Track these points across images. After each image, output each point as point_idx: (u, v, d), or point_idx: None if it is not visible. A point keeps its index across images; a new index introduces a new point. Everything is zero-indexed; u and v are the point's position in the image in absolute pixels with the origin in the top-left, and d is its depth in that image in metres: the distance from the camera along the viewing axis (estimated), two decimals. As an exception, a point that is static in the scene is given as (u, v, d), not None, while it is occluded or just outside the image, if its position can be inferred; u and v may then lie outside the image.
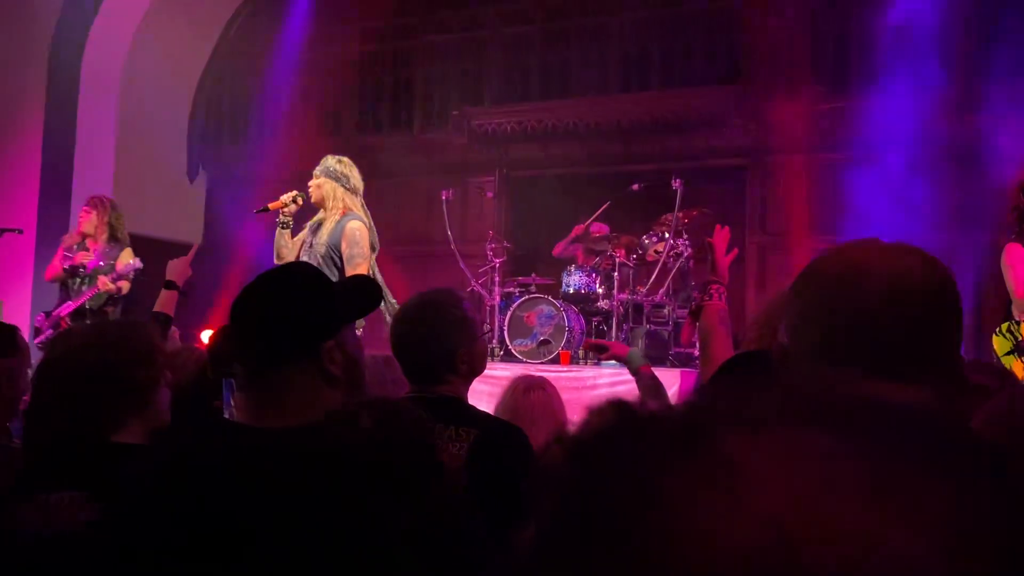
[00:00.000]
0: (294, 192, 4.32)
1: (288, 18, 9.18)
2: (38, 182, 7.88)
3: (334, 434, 1.16)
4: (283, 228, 4.29)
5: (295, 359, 1.31)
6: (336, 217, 4.16)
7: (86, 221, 5.42)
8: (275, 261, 4.30)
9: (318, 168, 4.28)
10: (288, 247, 4.30)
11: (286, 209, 4.30)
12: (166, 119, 9.20)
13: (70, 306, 5.32)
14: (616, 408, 0.40)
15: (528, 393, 2.72)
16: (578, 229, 7.29)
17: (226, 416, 1.95)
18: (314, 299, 1.36)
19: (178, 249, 3.28)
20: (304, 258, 4.17)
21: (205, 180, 9.74)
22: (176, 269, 3.02)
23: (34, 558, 1.47)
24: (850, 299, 0.89)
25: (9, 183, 7.96)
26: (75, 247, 5.45)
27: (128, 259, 5.37)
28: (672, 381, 5.40)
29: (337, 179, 4.21)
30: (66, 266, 5.38)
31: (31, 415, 1.64)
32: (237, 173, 9.32)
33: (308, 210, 4.42)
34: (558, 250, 7.33)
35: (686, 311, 6.62)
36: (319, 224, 4.25)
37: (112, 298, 5.34)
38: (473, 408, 2.03)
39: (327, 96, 9.35)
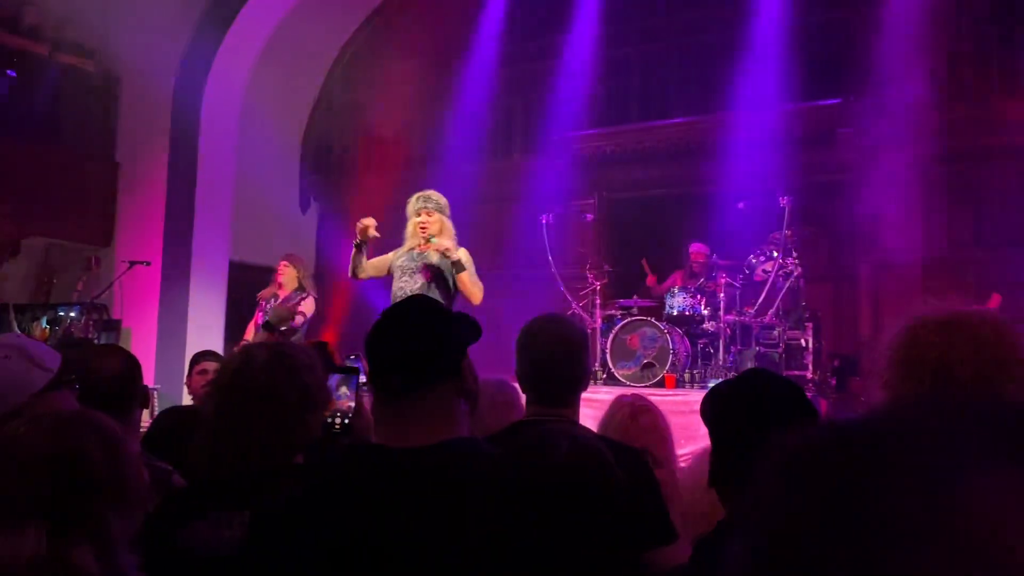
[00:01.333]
0: (374, 222, 4.60)
1: (391, 53, 9.48)
2: (163, 217, 8.36)
3: (527, 454, 1.19)
4: (362, 249, 4.62)
5: (444, 378, 1.38)
6: (448, 246, 4.48)
7: (284, 275, 6.17)
8: (352, 275, 4.66)
9: (429, 204, 4.56)
10: (364, 268, 4.63)
11: (367, 235, 4.60)
12: (279, 154, 9.63)
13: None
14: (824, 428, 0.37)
15: (637, 418, 2.65)
16: (650, 280, 7.27)
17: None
18: (450, 325, 1.44)
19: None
20: (408, 279, 4.45)
21: (316, 211, 10.11)
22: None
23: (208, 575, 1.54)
24: None
25: (138, 218, 8.49)
26: (270, 298, 6.18)
27: (309, 306, 6.03)
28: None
29: (446, 214, 4.59)
30: (260, 322, 6.14)
31: (211, 435, 1.69)
32: (345, 204, 9.64)
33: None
34: (657, 291, 7.31)
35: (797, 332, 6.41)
36: (423, 253, 4.51)
37: (284, 331, 5.88)
38: (591, 431, 2.03)
39: (428, 127, 9.57)
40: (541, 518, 1.12)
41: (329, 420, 1.94)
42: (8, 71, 8.09)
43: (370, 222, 4.56)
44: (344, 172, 9.98)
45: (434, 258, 4.46)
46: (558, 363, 1.98)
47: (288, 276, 6.21)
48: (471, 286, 4.39)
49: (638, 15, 8.59)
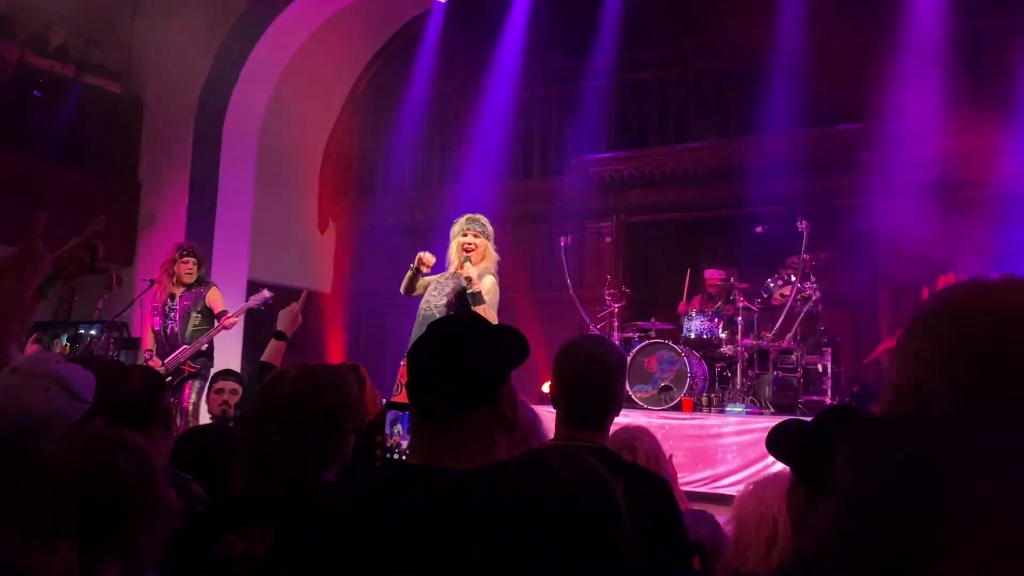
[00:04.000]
0: (433, 259, 4.67)
1: (410, 76, 9.57)
2: (184, 236, 8.44)
3: (518, 475, 1.18)
4: (420, 274, 4.68)
5: (479, 404, 1.35)
6: (472, 275, 4.48)
7: (188, 271, 5.72)
8: (405, 292, 4.70)
9: (476, 227, 4.58)
10: (418, 288, 4.68)
11: (424, 269, 4.68)
12: (299, 174, 9.72)
13: (187, 350, 5.61)
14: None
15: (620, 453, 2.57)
16: (681, 308, 7.23)
17: (388, 450, 2.02)
18: (493, 347, 1.41)
19: (310, 297, 3.37)
20: (435, 295, 4.51)
21: (334, 231, 10.18)
22: (286, 320, 3.01)
23: None
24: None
25: (159, 237, 8.57)
26: (165, 304, 5.73)
27: (221, 297, 5.73)
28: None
29: (490, 238, 4.60)
30: (158, 330, 5.78)
31: (243, 451, 1.72)
32: (364, 223, 9.70)
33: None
34: (681, 309, 7.28)
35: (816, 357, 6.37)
36: (457, 275, 4.55)
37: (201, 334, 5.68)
38: (619, 456, 2.00)
39: (448, 148, 9.64)
40: (531, 538, 1.10)
41: (388, 456, 1.95)
42: (34, 91, 8.24)
43: (428, 259, 4.63)
44: (363, 192, 10.05)
45: (457, 282, 4.49)
46: (589, 384, 1.93)
47: (193, 272, 5.71)
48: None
49: (657, 39, 8.63)
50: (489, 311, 4.41)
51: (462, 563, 1.15)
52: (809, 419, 1.73)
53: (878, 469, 0.72)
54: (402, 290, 4.73)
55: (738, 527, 2.05)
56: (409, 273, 4.65)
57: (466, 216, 4.66)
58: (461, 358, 1.37)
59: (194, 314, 5.69)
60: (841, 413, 1.74)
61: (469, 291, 4.38)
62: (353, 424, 1.76)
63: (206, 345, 5.68)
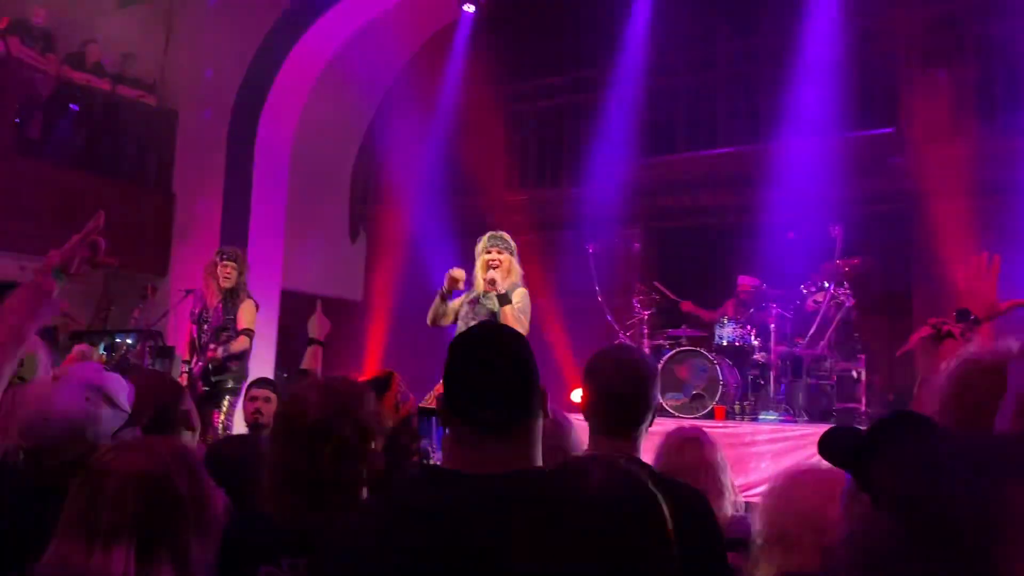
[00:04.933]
0: (463, 275, 4.65)
1: (439, 85, 9.62)
2: (217, 245, 8.55)
3: (560, 483, 1.18)
4: (445, 298, 4.68)
5: (537, 413, 1.38)
6: (495, 277, 4.52)
7: (227, 276, 5.52)
8: (432, 322, 4.70)
9: (500, 243, 4.61)
10: (447, 314, 4.68)
11: (458, 286, 4.67)
12: (330, 184, 9.80)
13: (199, 365, 5.50)
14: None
15: (683, 452, 2.60)
16: (684, 305, 7.23)
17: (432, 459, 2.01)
18: (530, 353, 1.43)
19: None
20: (466, 325, 4.48)
21: (365, 240, 10.25)
22: (315, 326, 3.14)
23: None
24: None
25: (193, 247, 8.70)
26: (203, 312, 5.60)
27: (251, 314, 5.52)
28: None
29: (514, 254, 4.63)
30: (194, 337, 5.64)
31: (277, 483, 1.69)
32: (394, 233, 9.75)
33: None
34: (708, 318, 7.23)
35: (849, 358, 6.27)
36: (487, 294, 4.55)
37: (234, 356, 5.49)
38: (651, 468, 1.98)
39: (477, 157, 9.65)
40: (572, 553, 1.09)
41: (423, 461, 1.96)
42: (71, 105, 8.40)
43: (459, 275, 4.62)
44: (393, 201, 10.10)
45: (491, 303, 4.49)
46: (621, 395, 1.93)
47: (232, 276, 5.50)
48: (512, 321, 4.35)
49: (686, 44, 8.60)
50: (517, 315, 4.42)
51: (505, 570, 1.14)
52: (861, 428, 1.69)
53: (943, 481, 0.70)
54: (429, 320, 4.71)
55: (780, 523, 2.00)
56: (437, 299, 4.66)
57: (488, 234, 4.68)
58: (514, 367, 1.38)
59: (223, 333, 5.52)
60: (903, 419, 1.67)
61: (495, 293, 4.40)
62: (379, 434, 1.74)
63: (223, 356, 5.44)
